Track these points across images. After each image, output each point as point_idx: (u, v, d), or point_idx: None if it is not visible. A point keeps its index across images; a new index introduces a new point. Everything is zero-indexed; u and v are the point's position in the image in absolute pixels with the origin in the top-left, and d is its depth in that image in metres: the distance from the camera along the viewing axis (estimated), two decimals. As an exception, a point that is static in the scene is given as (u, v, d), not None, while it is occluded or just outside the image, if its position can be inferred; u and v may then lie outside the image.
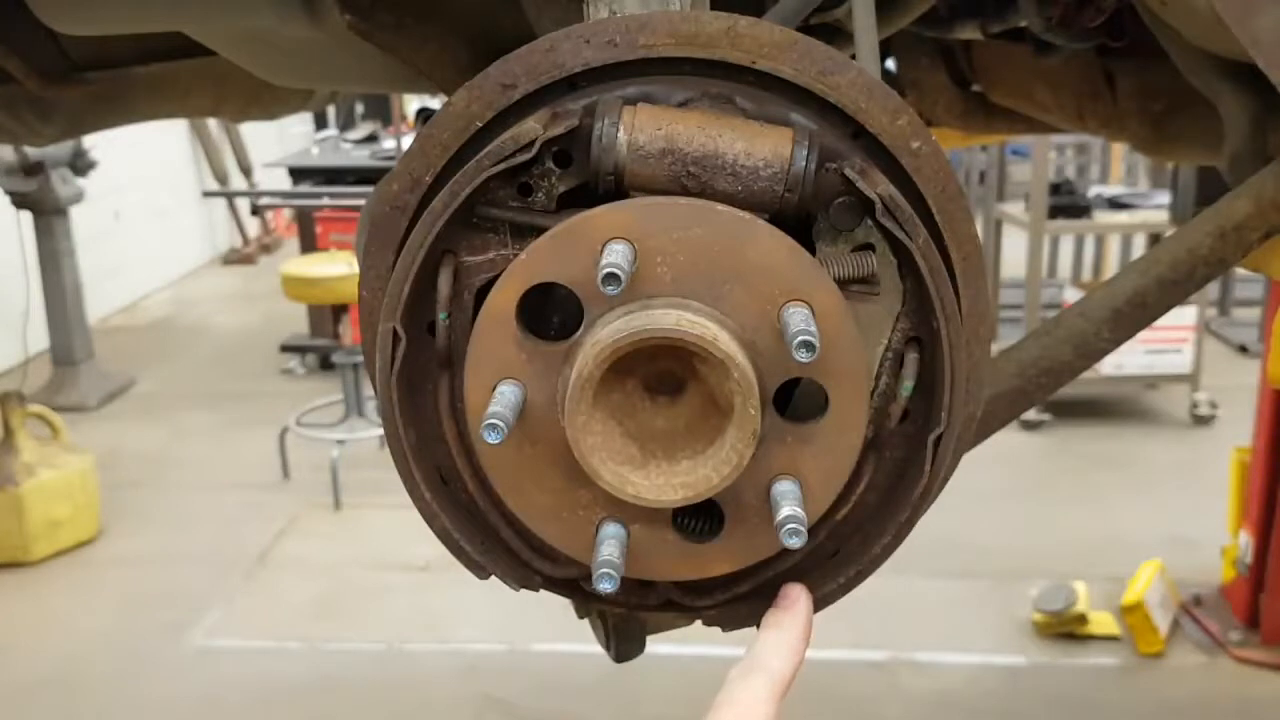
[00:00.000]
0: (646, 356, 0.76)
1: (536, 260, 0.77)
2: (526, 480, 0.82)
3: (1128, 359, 6.29)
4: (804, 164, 0.79)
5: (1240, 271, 2.77)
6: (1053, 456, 6.14)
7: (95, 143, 6.75)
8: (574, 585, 0.90)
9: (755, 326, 0.77)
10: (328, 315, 7.32)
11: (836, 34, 1.56)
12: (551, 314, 0.82)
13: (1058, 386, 1.24)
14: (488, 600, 4.26)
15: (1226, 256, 1.24)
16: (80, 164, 6.93)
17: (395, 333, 0.81)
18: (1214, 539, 4.67)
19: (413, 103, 9.18)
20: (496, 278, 0.79)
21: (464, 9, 1.49)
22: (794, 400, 0.82)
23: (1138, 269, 1.25)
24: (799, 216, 0.81)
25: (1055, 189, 6.83)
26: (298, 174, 7.99)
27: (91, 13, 1.54)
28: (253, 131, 10.45)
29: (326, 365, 7.32)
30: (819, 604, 0.88)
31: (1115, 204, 6.89)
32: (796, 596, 0.85)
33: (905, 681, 4.20)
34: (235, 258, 11.02)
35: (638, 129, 0.79)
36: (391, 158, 7.73)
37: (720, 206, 0.77)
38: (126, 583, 4.98)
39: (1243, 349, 7.60)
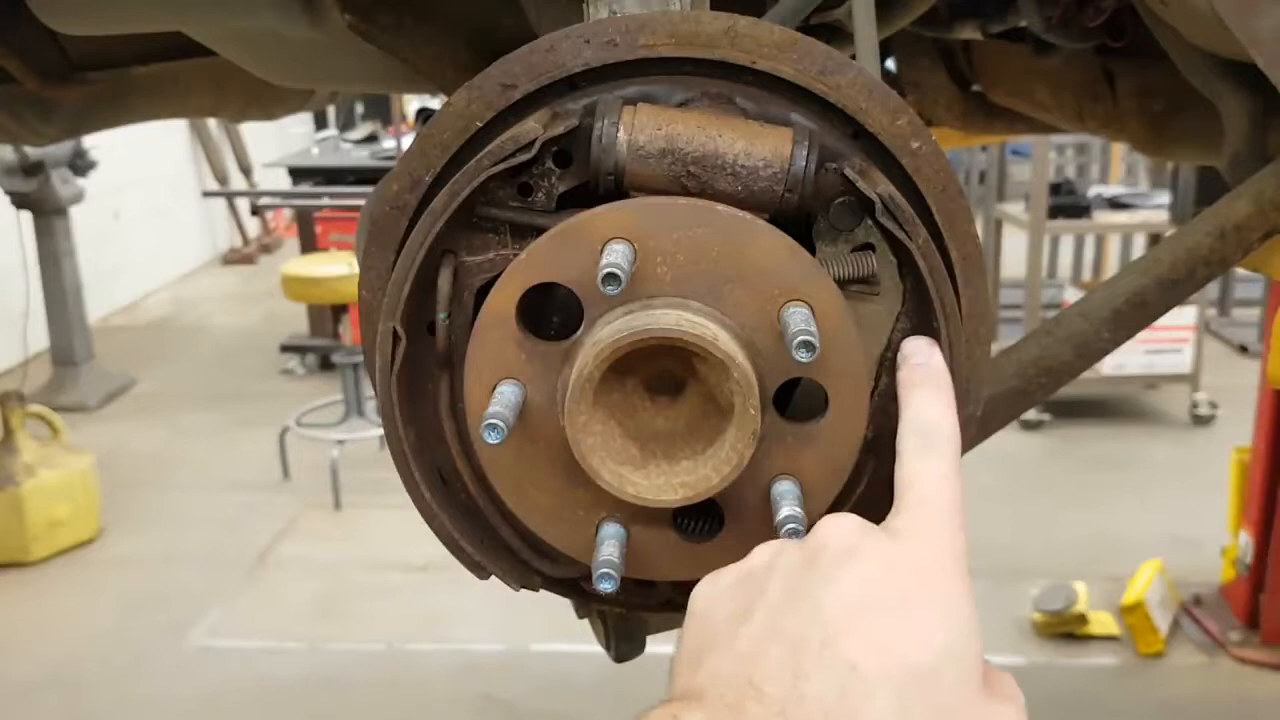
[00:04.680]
0: (646, 356, 0.76)
1: (536, 260, 0.77)
2: (526, 480, 0.82)
3: (1128, 359, 6.28)
4: (804, 164, 0.79)
5: (1240, 271, 2.76)
6: (1053, 456, 6.14)
7: (95, 143, 6.75)
8: (574, 585, 0.90)
9: (755, 326, 0.77)
10: (328, 315, 7.33)
11: (836, 34, 1.55)
12: (551, 314, 0.81)
13: (1058, 386, 1.24)
14: (488, 600, 4.26)
15: (1226, 256, 1.23)
16: (80, 164, 6.93)
17: (395, 333, 0.81)
18: (1214, 539, 4.67)
19: (413, 103, 9.18)
20: (496, 278, 0.79)
21: (464, 9, 1.49)
22: (794, 400, 0.82)
23: (1138, 269, 1.24)
24: (799, 216, 0.81)
25: (1055, 189, 6.83)
26: (298, 174, 7.99)
27: (91, 13, 1.54)
28: (253, 131, 10.45)
29: (326, 365, 7.32)
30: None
31: (1115, 204, 6.89)
32: (930, 350, 0.79)
33: (905, 681, 4.20)
34: (235, 258, 11.02)
35: (638, 129, 0.79)
36: (391, 158, 7.73)
37: (720, 206, 0.77)
38: (126, 583, 4.98)
39: (1243, 349, 7.60)
